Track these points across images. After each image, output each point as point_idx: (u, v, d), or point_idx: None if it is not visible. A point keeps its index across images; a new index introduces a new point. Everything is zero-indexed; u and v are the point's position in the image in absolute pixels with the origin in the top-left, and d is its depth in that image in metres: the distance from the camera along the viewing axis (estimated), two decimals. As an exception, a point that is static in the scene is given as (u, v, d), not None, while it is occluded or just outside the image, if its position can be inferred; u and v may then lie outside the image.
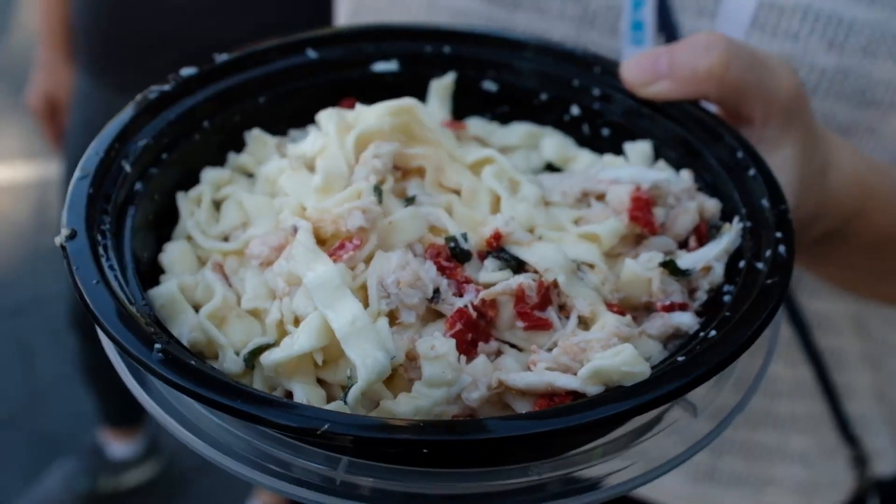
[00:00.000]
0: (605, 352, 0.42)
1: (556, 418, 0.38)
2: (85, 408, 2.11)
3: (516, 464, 0.41)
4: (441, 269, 0.45)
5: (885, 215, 0.66)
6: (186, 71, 0.53)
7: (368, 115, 0.51)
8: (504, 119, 0.59)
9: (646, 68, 0.55)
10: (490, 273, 0.46)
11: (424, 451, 0.37)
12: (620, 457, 0.43)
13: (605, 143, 0.57)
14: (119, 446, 2.06)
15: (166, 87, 0.52)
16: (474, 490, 0.41)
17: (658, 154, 0.55)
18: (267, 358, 0.42)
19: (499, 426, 0.38)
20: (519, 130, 0.58)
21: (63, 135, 1.93)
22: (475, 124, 0.58)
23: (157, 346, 0.39)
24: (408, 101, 0.52)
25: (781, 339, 0.79)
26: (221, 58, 0.54)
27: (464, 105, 0.58)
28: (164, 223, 0.50)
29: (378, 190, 0.47)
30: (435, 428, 0.37)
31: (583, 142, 0.58)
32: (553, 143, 0.57)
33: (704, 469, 0.86)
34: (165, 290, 0.45)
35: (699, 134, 0.54)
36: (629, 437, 0.44)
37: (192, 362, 0.39)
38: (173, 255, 0.48)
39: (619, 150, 0.56)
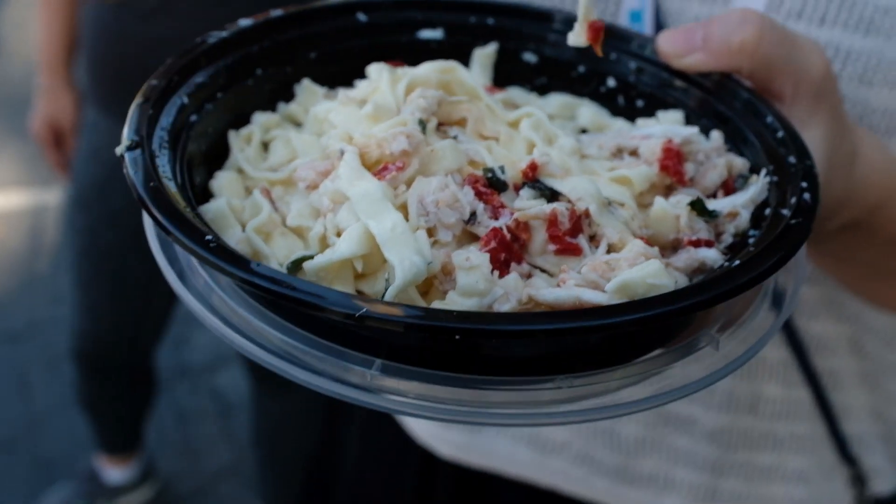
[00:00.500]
0: (632, 267, 0.43)
1: (582, 319, 0.40)
2: (81, 433, 2.13)
3: (543, 374, 0.43)
4: (478, 195, 0.47)
5: None
6: (243, 22, 0.56)
7: (416, 70, 0.54)
8: (542, 90, 0.62)
9: (681, 40, 0.58)
10: (525, 201, 0.48)
11: (456, 337, 0.39)
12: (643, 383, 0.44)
13: (640, 113, 0.59)
14: (115, 471, 2.07)
15: (224, 34, 0.55)
16: (503, 399, 0.42)
17: (689, 122, 0.58)
18: (310, 265, 0.44)
19: (524, 319, 0.39)
20: (556, 101, 0.61)
21: (67, 161, 1.94)
22: (514, 93, 0.61)
23: (209, 237, 0.41)
24: (451, 63, 0.55)
25: (779, 362, 0.81)
26: (276, 13, 0.58)
27: (504, 75, 0.61)
28: (215, 158, 0.53)
29: (422, 123, 0.50)
30: (467, 317, 0.39)
31: (617, 112, 0.60)
32: (588, 113, 0.60)
33: (706, 490, 0.86)
34: (215, 206, 0.48)
35: (730, 103, 0.56)
36: (652, 364, 0.45)
37: (234, 250, 0.41)
38: (223, 181, 0.51)
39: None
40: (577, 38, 0.54)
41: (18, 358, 2.58)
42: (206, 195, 0.51)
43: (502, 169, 0.49)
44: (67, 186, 1.95)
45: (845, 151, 0.62)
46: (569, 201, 0.48)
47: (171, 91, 0.50)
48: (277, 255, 0.47)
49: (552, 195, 0.48)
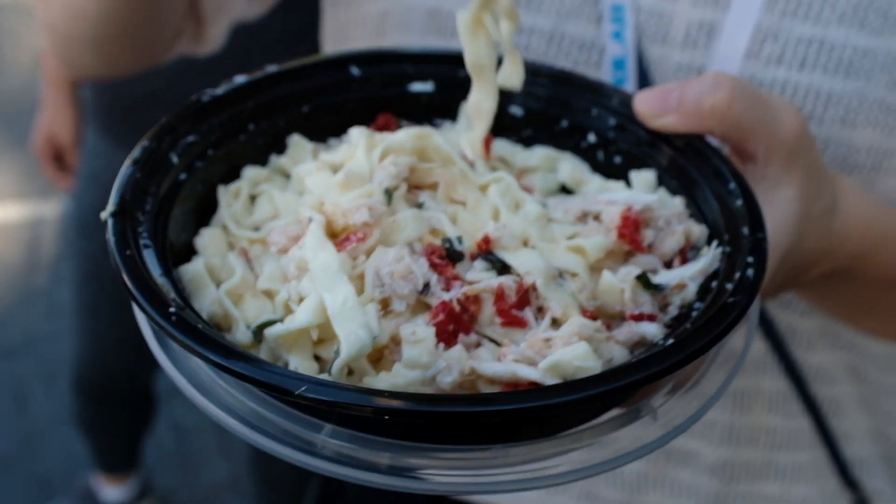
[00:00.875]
0: (565, 348, 0.46)
1: (501, 402, 0.43)
2: (78, 450, 2.14)
3: (478, 443, 0.46)
4: (433, 266, 0.50)
5: (892, 257, 0.68)
6: (239, 78, 0.60)
7: (392, 137, 0.58)
8: (527, 142, 0.64)
9: (657, 101, 0.59)
10: (477, 272, 0.51)
11: (386, 417, 0.42)
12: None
13: (617, 169, 0.61)
14: (112, 490, 2.11)
15: (218, 92, 0.59)
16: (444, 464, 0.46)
17: (661, 182, 0.60)
18: (270, 331, 0.48)
19: (447, 401, 0.43)
20: (539, 153, 0.63)
21: (66, 176, 1.95)
22: (500, 145, 0.63)
23: (172, 309, 0.45)
24: (427, 129, 0.58)
25: (778, 393, 0.82)
26: (271, 68, 0.61)
27: (492, 127, 0.64)
28: (205, 212, 0.57)
29: (388, 193, 0.53)
30: (397, 397, 0.43)
31: (596, 167, 0.62)
32: (568, 168, 0.62)
33: None
34: (193, 268, 0.52)
35: (699, 166, 0.58)
36: (591, 433, 0.48)
37: (200, 326, 0.45)
38: (206, 239, 0.55)
39: (628, 177, 0.61)
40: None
41: (15, 373, 2.56)
42: (191, 251, 0.55)
43: (460, 240, 0.52)
44: (69, 208, 1.94)
45: (823, 206, 0.63)
46: (518, 275, 0.50)
47: (162, 152, 0.54)
48: (247, 317, 0.51)
49: (503, 268, 0.51)
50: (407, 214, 0.52)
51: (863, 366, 0.85)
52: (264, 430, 0.46)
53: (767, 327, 0.80)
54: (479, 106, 0.60)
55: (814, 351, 0.82)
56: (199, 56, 0.87)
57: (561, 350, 0.46)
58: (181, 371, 0.48)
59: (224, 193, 0.57)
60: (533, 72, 0.63)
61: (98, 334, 1.92)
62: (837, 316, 0.78)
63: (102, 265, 1.81)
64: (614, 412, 0.49)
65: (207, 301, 0.51)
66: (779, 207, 0.60)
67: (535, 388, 0.45)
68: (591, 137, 0.62)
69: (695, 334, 0.46)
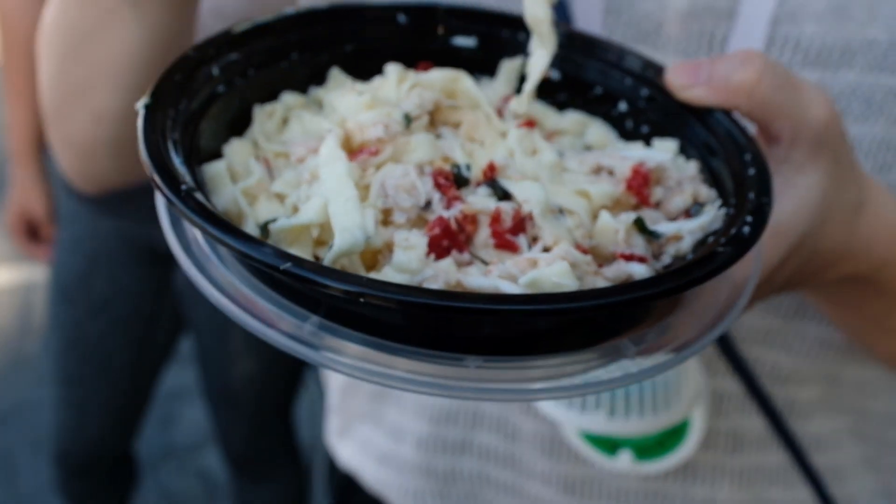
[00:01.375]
0: (546, 266, 0.47)
1: (469, 300, 0.44)
2: None
3: (453, 350, 0.47)
4: (438, 186, 0.52)
5: None
6: (287, 10, 0.63)
7: (424, 75, 0.60)
8: (561, 105, 0.66)
9: (687, 74, 0.61)
10: (479, 197, 0.52)
11: (361, 300, 0.44)
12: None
13: (644, 137, 0.63)
14: None
15: (266, 20, 0.62)
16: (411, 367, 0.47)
17: (682, 151, 0.60)
18: (273, 226, 0.51)
19: (419, 292, 0.44)
20: (571, 118, 0.65)
21: (44, 248, 1.95)
22: (535, 106, 0.65)
23: (184, 187, 0.48)
24: (459, 73, 0.60)
25: (778, 466, 0.82)
26: (320, 6, 0.64)
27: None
28: (238, 127, 0.60)
29: (408, 118, 0.55)
30: (378, 284, 0.44)
31: (625, 135, 0.64)
32: (597, 132, 0.63)
33: None
34: (215, 167, 0.55)
35: (721, 138, 0.58)
36: (569, 368, 0.49)
37: (206, 204, 0.48)
38: (234, 147, 0.58)
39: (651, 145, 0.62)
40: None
41: (3, 440, 2.54)
42: (219, 156, 0.58)
43: (468, 167, 0.54)
44: (50, 275, 1.94)
45: (848, 200, 0.63)
46: (517, 203, 0.52)
47: (204, 63, 0.58)
48: (258, 215, 0.53)
49: (504, 195, 0.53)
50: (421, 137, 0.54)
51: (866, 427, 0.84)
52: (256, 314, 0.48)
53: (763, 403, 0.80)
54: (534, 61, 0.62)
55: (810, 420, 0.82)
56: None
57: (543, 268, 0.47)
58: (194, 263, 0.51)
59: (259, 112, 0.61)
60: (571, 37, 0.65)
61: (79, 405, 1.92)
62: (852, 332, 0.77)
63: (84, 333, 1.87)
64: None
65: (223, 198, 0.54)
66: (800, 191, 0.60)
67: (503, 295, 0.46)
68: (623, 106, 0.64)
69: (674, 273, 0.47)
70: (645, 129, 0.63)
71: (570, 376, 0.48)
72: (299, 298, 0.48)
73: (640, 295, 0.45)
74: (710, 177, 0.58)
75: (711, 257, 0.48)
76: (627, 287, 0.46)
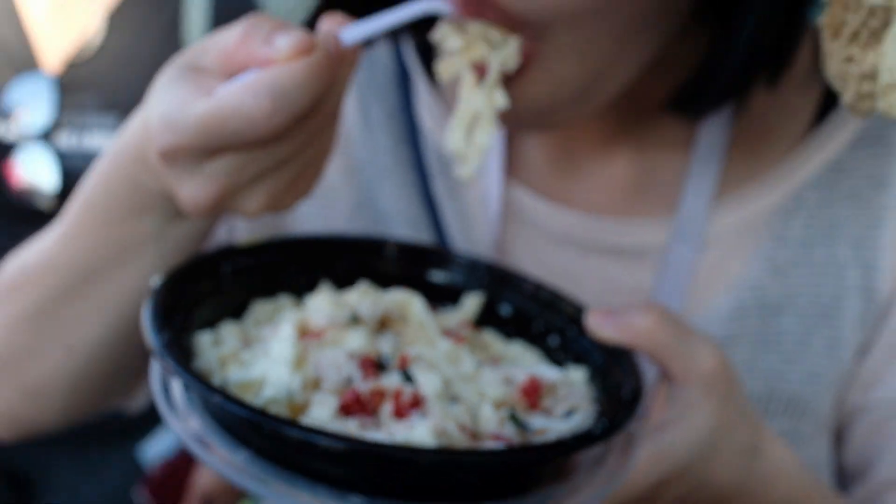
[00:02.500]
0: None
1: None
2: None
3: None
4: (362, 367, 0.66)
5: None
6: (298, 234, 0.82)
7: (390, 293, 0.76)
8: (510, 335, 0.79)
9: (602, 318, 0.74)
10: (392, 380, 0.66)
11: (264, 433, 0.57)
12: None
13: (566, 363, 0.75)
14: None
15: (281, 238, 0.80)
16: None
17: (592, 378, 0.73)
18: (231, 377, 0.65)
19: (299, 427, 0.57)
20: (515, 347, 0.78)
21: None
22: (487, 334, 0.79)
23: (168, 338, 0.64)
24: (415, 297, 0.76)
25: None
26: (329, 235, 0.82)
27: (484, 317, 0.80)
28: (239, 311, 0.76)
29: (354, 317, 0.70)
30: (259, 413, 0.58)
31: (554, 361, 0.76)
32: (529, 359, 0.77)
33: None
34: (204, 336, 0.70)
35: (617, 368, 0.71)
36: None
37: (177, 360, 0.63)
38: (227, 327, 0.73)
39: None
40: None
41: None
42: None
43: (390, 356, 0.68)
44: None
45: (740, 442, 0.73)
46: (419, 387, 0.65)
47: (214, 261, 0.75)
48: (226, 374, 0.68)
49: (410, 380, 0.66)
50: (358, 332, 0.69)
51: None
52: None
53: None
54: (472, 300, 0.78)
55: None
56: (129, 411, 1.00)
57: (413, 431, 0.60)
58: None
59: (257, 305, 0.77)
60: (520, 282, 0.80)
61: None
62: None
63: None
64: None
65: (204, 359, 0.69)
66: (687, 427, 0.70)
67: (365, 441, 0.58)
68: (554, 341, 0.77)
69: (511, 452, 0.59)
70: (569, 356, 0.75)
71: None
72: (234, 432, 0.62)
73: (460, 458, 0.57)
74: (600, 395, 0.69)
75: (541, 446, 0.59)
76: (471, 454, 0.58)
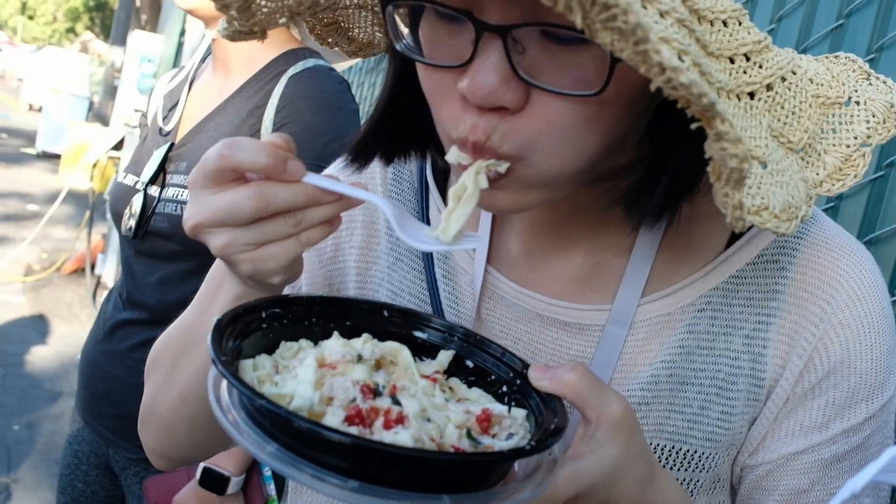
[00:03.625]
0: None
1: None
2: None
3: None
4: (362, 392, 0.91)
5: None
6: (316, 294, 1.07)
7: (385, 343, 1.01)
8: (470, 384, 1.05)
9: (539, 373, 0.99)
10: (383, 402, 0.90)
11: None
12: None
13: (512, 405, 1.00)
14: None
15: (301, 296, 1.06)
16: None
17: (529, 413, 0.98)
18: (267, 391, 0.90)
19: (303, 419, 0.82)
20: (474, 391, 1.03)
21: None
22: (453, 381, 1.04)
23: (224, 359, 0.89)
24: (403, 348, 1.01)
25: None
26: (335, 296, 1.08)
27: (453, 367, 1.05)
28: (271, 348, 1.01)
29: (359, 356, 0.96)
30: (283, 409, 0.82)
31: (503, 402, 1.01)
32: (484, 399, 1.02)
33: None
34: (246, 363, 0.95)
35: (549, 409, 0.95)
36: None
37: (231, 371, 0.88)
38: (262, 358, 0.98)
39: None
40: None
41: None
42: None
43: (384, 386, 0.93)
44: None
45: (639, 472, 0.97)
46: (403, 409, 0.90)
47: (260, 309, 1.01)
48: (262, 390, 0.92)
49: (398, 403, 0.91)
50: (361, 367, 0.94)
51: None
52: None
53: None
54: (444, 356, 1.04)
55: None
56: None
57: (395, 435, 0.85)
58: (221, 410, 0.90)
59: (283, 345, 1.02)
60: (482, 344, 1.05)
61: None
62: None
63: None
64: None
65: (245, 378, 0.93)
66: (598, 457, 0.95)
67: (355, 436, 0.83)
68: (504, 388, 1.02)
69: (466, 454, 0.84)
70: (514, 401, 1.01)
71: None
72: (263, 427, 0.86)
73: (424, 455, 0.81)
74: (534, 428, 0.94)
75: (487, 453, 0.84)
76: (432, 453, 0.83)
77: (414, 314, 1.10)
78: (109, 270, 9.08)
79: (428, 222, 1.26)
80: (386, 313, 1.08)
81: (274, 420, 0.84)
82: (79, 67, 20.83)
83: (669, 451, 1.12)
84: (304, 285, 1.33)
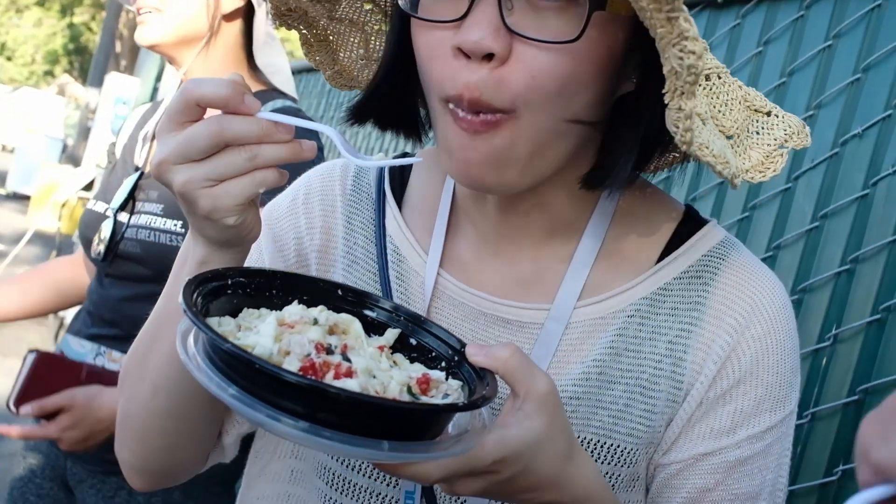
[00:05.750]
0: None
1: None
2: None
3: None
4: (316, 349, 1.01)
5: None
6: (287, 271, 1.17)
7: (339, 314, 1.12)
8: (412, 359, 1.15)
9: (475, 349, 1.10)
10: (335, 358, 1.01)
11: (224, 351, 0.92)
12: None
13: (450, 377, 1.11)
14: None
15: (267, 270, 1.16)
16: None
17: (463, 386, 1.08)
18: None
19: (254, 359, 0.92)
20: (416, 365, 1.14)
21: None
22: (398, 356, 1.15)
23: (195, 309, 0.99)
24: (354, 319, 1.12)
25: None
26: (298, 273, 1.19)
27: (398, 345, 1.16)
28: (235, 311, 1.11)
29: (315, 321, 1.06)
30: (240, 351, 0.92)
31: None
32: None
33: None
34: (212, 319, 1.05)
35: (484, 379, 1.06)
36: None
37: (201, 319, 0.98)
38: (226, 319, 1.08)
39: None
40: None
41: None
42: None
43: (336, 346, 1.03)
44: None
45: (559, 446, 1.07)
46: (353, 365, 1.00)
47: (226, 276, 1.11)
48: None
49: (348, 360, 1.01)
50: (316, 329, 1.04)
51: None
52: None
53: None
54: (391, 333, 1.15)
55: None
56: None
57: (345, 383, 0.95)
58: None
59: (245, 312, 1.11)
60: (425, 325, 1.16)
61: None
62: None
63: None
64: None
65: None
66: (523, 428, 1.05)
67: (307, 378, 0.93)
68: (443, 363, 1.13)
69: (405, 403, 0.95)
70: (452, 374, 1.11)
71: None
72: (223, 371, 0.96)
73: (371, 400, 0.92)
74: (467, 396, 1.05)
75: (423, 405, 0.95)
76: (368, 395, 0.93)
77: (366, 294, 1.21)
78: (72, 312, 9.00)
79: (384, 228, 1.38)
80: (340, 292, 1.19)
81: (236, 364, 0.94)
82: (54, 109, 20.77)
83: (595, 444, 1.21)
84: None
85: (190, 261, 1.20)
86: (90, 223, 2.43)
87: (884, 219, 1.89)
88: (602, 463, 1.22)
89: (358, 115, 1.28)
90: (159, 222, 2.26)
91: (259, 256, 1.40)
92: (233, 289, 1.12)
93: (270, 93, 2.37)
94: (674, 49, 0.91)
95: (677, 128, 0.96)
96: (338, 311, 1.14)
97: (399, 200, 1.39)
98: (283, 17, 1.22)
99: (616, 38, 1.07)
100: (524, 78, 1.03)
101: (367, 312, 1.18)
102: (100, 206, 2.44)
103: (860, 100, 2.04)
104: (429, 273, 1.34)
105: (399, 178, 1.41)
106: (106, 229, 2.33)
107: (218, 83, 1.04)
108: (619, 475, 1.24)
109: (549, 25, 1.02)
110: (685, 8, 0.89)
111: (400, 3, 1.09)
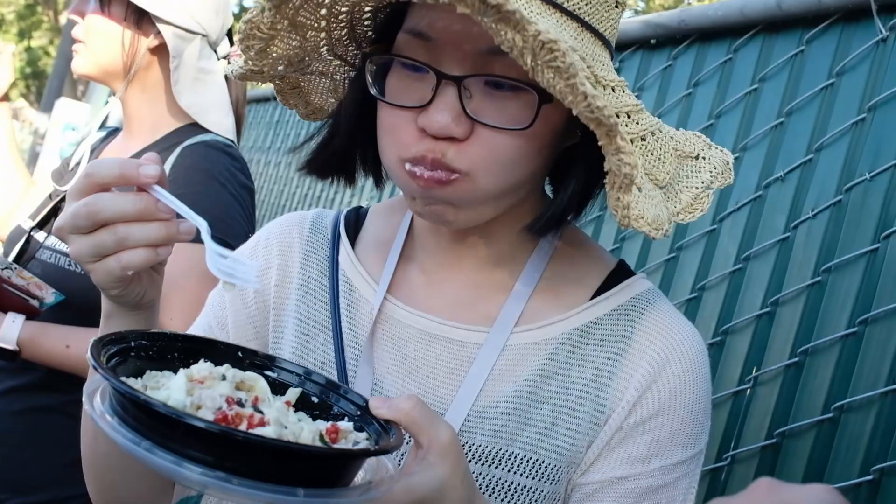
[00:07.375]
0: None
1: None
2: None
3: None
4: (227, 402, 1.03)
5: None
6: (185, 332, 1.19)
7: (246, 372, 1.14)
8: (315, 417, 1.18)
9: (379, 402, 1.14)
10: (247, 410, 1.03)
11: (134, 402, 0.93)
12: None
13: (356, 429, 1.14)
14: None
15: (167, 333, 1.18)
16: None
17: (368, 438, 1.12)
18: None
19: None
20: (319, 422, 1.17)
21: None
22: (301, 413, 1.18)
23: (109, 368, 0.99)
24: (260, 378, 1.14)
25: None
26: (197, 336, 1.20)
27: (299, 404, 1.19)
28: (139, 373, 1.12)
29: (223, 376, 1.08)
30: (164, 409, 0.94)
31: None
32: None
33: None
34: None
35: (388, 430, 1.10)
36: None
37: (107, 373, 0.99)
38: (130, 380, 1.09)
39: None
40: None
41: None
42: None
43: (246, 399, 1.05)
44: None
45: (462, 493, 1.11)
46: (264, 416, 1.03)
47: (130, 339, 1.12)
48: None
49: (259, 412, 1.03)
50: (224, 384, 1.07)
51: None
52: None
53: None
54: (290, 395, 1.18)
55: None
56: None
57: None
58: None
59: (148, 373, 1.12)
60: (325, 382, 1.20)
61: None
62: None
63: None
64: None
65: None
66: (428, 476, 1.08)
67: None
68: (346, 419, 1.17)
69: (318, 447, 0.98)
70: (357, 428, 1.15)
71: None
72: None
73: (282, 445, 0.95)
74: (374, 444, 1.09)
75: (334, 449, 0.99)
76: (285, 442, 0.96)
77: (265, 356, 1.23)
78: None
79: (337, 263, 1.47)
80: (240, 354, 1.21)
81: (148, 416, 0.95)
82: (5, 135, 19.44)
83: (522, 458, 1.26)
84: (230, 325, 1.47)
85: (102, 311, 1.26)
86: (13, 238, 2.48)
87: (803, 262, 1.95)
88: (527, 478, 1.26)
89: (320, 171, 1.41)
90: (63, 246, 2.27)
91: (220, 300, 1.49)
92: (136, 351, 1.13)
93: (192, 128, 2.40)
94: (612, 157, 1.03)
95: (616, 212, 1.09)
96: (248, 369, 1.17)
97: (353, 241, 1.49)
98: (254, 74, 1.30)
99: (563, 116, 1.19)
100: (482, 152, 1.15)
101: (268, 373, 1.21)
102: (27, 224, 2.48)
103: (783, 143, 2.10)
104: (377, 299, 1.39)
105: (354, 222, 1.52)
106: (18, 245, 2.37)
107: (111, 165, 1.10)
108: (543, 490, 1.26)
109: (504, 108, 1.14)
110: (621, 130, 1.01)
111: (371, 91, 1.20)
